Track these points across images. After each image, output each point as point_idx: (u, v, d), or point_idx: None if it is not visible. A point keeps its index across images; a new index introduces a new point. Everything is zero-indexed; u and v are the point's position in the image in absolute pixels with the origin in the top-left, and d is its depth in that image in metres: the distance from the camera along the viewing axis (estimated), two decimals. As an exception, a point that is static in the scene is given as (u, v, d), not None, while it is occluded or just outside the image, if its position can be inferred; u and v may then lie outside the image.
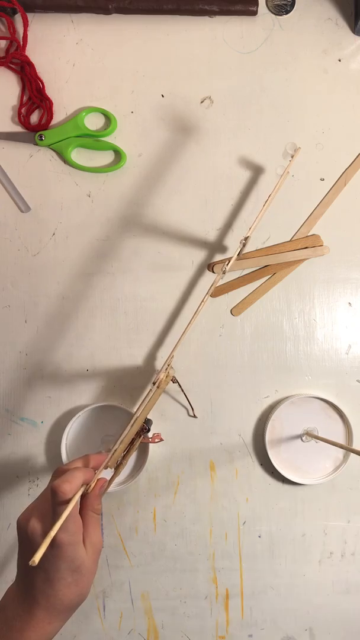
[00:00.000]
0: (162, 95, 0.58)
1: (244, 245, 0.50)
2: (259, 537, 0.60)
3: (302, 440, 0.59)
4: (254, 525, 0.60)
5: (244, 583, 0.60)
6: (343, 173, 0.59)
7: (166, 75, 0.58)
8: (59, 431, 0.59)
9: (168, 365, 0.50)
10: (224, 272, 0.50)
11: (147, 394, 0.50)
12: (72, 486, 0.42)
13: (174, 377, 0.54)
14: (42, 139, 0.57)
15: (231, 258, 0.50)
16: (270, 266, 0.59)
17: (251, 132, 0.58)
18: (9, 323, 0.59)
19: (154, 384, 0.49)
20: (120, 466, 0.50)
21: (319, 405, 0.59)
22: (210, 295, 0.59)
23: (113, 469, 0.50)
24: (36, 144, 0.58)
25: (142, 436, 0.52)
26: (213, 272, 0.59)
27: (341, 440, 0.59)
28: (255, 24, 0.58)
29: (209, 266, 0.59)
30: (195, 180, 0.59)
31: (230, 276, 0.59)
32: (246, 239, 0.49)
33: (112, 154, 0.59)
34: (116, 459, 0.49)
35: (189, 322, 0.49)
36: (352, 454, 0.58)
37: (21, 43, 0.57)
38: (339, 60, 0.58)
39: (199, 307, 0.49)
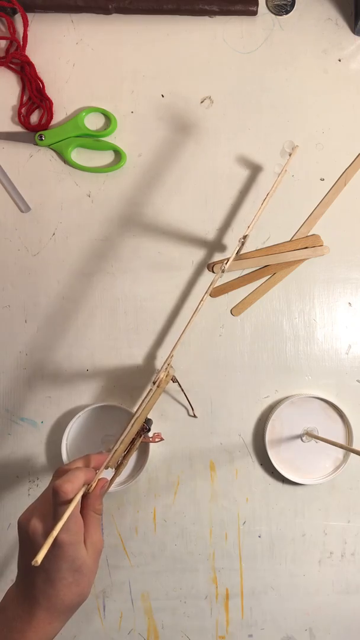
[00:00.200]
0: (162, 95, 0.58)
1: (243, 243, 0.50)
2: (259, 537, 0.60)
3: (302, 440, 0.59)
4: (254, 525, 0.60)
5: (244, 583, 0.60)
6: (343, 173, 0.59)
7: (166, 75, 0.58)
8: (59, 431, 0.59)
9: (168, 365, 0.50)
10: (223, 271, 0.50)
11: (147, 394, 0.50)
12: (74, 486, 0.42)
13: (173, 376, 0.54)
14: (42, 139, 0.57)
15: (230, 257, 0.50)
16: (270, 266, 0.59)
17: (251, 132, 0.58)
18: (9, 323, 0.59)
19: (154, 383, 0.49)
20: (120, 466, 0.50)
21: (319, 405, 0.59)
22: (210, 295, 0.59)
23: (114, 469, 0.50)
24: (36, 144, 0.58)
25: (143, 436, 0.52)
26: (213, 272, 0.59)
27: (341, 440, 0.59)
28: (255, 24, 0.58)
29: (209, 266, 0.59)
30: (195, 180, 0.59)
31: (230, 276, 0.59)
32: (245, 237, 0.49)
33: (112, 154, 0.59)
34: (117, 458, 0.49)
35: (188, 322, 0.49)
36: (352, 454, 0.58)
37: (21, 43, 0.57)
38: (339, 60, 0.58)
39: (198, 306, 0.49)
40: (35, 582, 0.41)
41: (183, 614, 0.60)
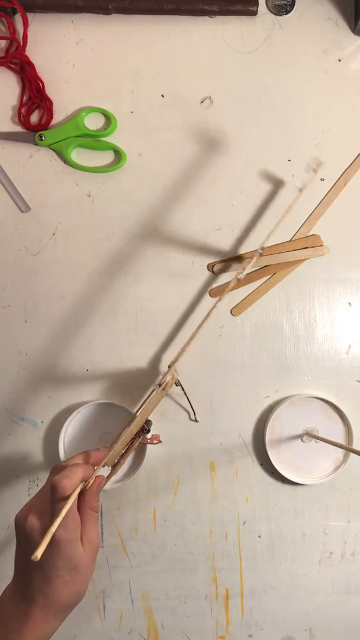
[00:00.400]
0: (162, 95, 0.58)
1: (261, 254, 0.50)
2: (259, 537, 0.60)
3: (302, 440, 0.59)
4: (254, 525, 0.60)
5: (244, 583, 0.60)
6: (343, 173, 0.59)
7: (166, 75, 0.58)
8: (59, 431, 0.59)
9: (174, 368, 0.50)
10: (238, 280, 0.50)
11: (150, 395, 0.50)
12: (72, 482, 0.41)
13: (177, 380, 0.54)
14: (42, 139, 0.57)
15: (242, 272, 0.49)
16: (270, 266, 0.59)
17: (251, 132, 0.58)
18: (9, 323, 0.59)
19: (159, 385, 0.49)
20: (117, 465, 0.50)
21: (319, 405, 0.59)
22: (210, 295, 0.59)
23: (110, 467, 0.50)
24: (36, 144, 0.58)
25: (141, 437, 0.52)
26: (213, 272, 0.59)
27: (341, 440, 0.59)
28: (255, 24, 0.58)
29: (209, 266, 0.59)
30: (195, 180, 0.59)
31: (230, 276, 0.59)
32: (263, 249, 0.49)
33: (112, 154, 0.59)
34: (114, 457, 0.49)
35: (198, 326, 0.49)
36: (352, 454, 0.58)
37: (21, 43, 0.57)
38: (339, 60, 0.58)
39: (210, 310, 0.48)
40: (32, 580, 0.41)
41: (183, 614, 0.60)
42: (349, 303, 0.59)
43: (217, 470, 0.60)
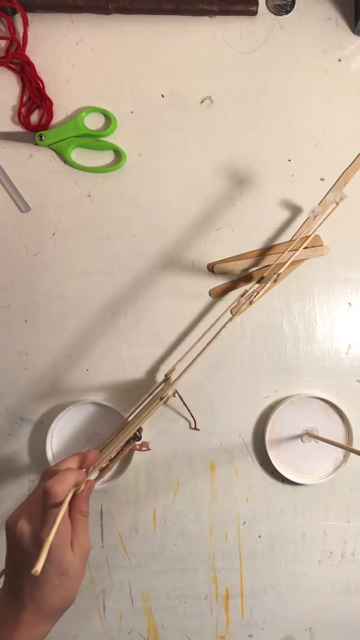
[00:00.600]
0: (162, 95, 0.58)
1: (274, 280, 0.48)
2: (259, 537, 0.60)
3: (302, 440, 0.59)
4: (254, 525, 0.60)
5: (244, 583, 0.60)
6: (343, 173, 0.59)
7: (166, 75, 0.58)
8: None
9: (174, 381, 0.49)
10: (251, 303, 0.48)
11: (145, 404, 0.49)
12: (65, 487, 0.40)
13: (175, 390, 0.53)
14: (42, 139, 0.57)
15: (257, 293, 0.48)
16: (270, 266, 0.59)
17: (251, 132, 0.58)
18: (9, 323, 0.59)
19: (160, 399, 0.47)
20: (105, 469, 0.50)
21: (319, 405, 0.59)
22: (210, 295, 0.59)
23: (98, 471, 0.49)
24: (36, 144, 0.58)
25: (131, 443, 0.51)
26: (213, 272, 0.59)
27: (341, 440, 0.59)
28: (255, 24, 0.58)
29: (209, 266, 0.59)
30: (195, 180, 0.59)
31: (230, 276, 0.59)
32: (278, 275, 0.48)
33: (112, 154, 0.59)
34: (103, 461, 0.48)
35: (209, 343, 0.47)
36: (352, 454, 0.58)
37: (21, 43, 0.57)
38: (339, 60, 0.58)
39: (220, 330, 0.47)
40: (22, 585, 0.41)
41: (183, 614, 0.60)
42: (349, 303, 0.59)
43: (217, 470, 0.60)
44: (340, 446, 0.54)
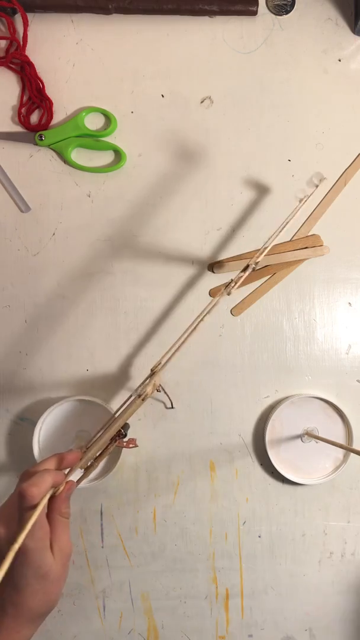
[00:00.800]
0: (162, 95, 0.58)
1: (254, 269, 0.48)
2: (259, 537, 0.60)
3: (302, 440, 0.59)
4: (254, 525, 0.60)
5: (244, 583, 0.60)
6: (343, 173, 0.59)
7: (166, 75, 0.58)
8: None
9: (156, 378, 0.48)
10: (229, 294, 0.48)
11: (129, 403, 0.48)
12: (40, 490, 0.40)
13: (159, 385, 0.52)
14: (42, 139, 0.57)
15: (235, 283, 0.48)
16: (270, 266, 0.59)
17: (251, 132, 0.59)
18: (9, 323, 0.59)
19: (139, 396, 0.47)
20: (90, 468, 0.49)
21: (319, 405, 0.59)
22: (210, 295, 0.59)
23: (83, 470, 0.49)
24: (36, 144, 0.58)
25: (117, 441, 0.51)
26: (213, 271, 0.59)
27: (341, 440, 0.59)
28: (255, 24, 0.58)
29: (209, 266, 0.59)
30: (195, 180, 0.59)
31: (230, 276, 0.59)
32: (257, 263, 0.48)
33: (112, 154, 0.59)
34: (88, 460, 0.48)
35: (189, 333, 0.48)
36: (352, 454, 0.58)
37: (21, 43, 0.57)
38: (339, 60, 0.58)
39: (193, 323, 0.47)
40: (1, 590, 0.40)
41: (183, 614, 0.60)
42: (349, 303, 0.59)
43: (217, 470, 0.60)
44: (340, 446, 0.54)
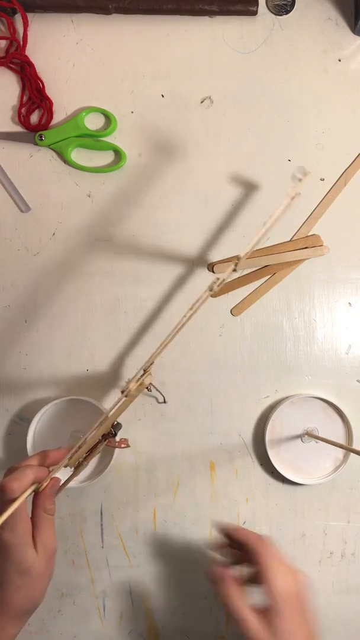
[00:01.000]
0: (162, 95, 0.58)
1: (236, 265, 0.47)
2: (259, 537, 0.60)
3: (302, 440, 0.59)
4: (254, 525, 0.60)
5: (244, 583, 0.60)
6: (343, 173, 0.59)
7: (166, 75, 0.58)
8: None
9: (143, 375, 0.48)
10: (211, 290, 0.47)
11: (117, 402, 0.48)
12: (21, 484, 0.40)
13: (150, 384, 0.51)
14: (42, 139, 0.57)
15: (222, 280, 0.47)
16: (270, 266, 0.59)
17: (251, 132, 0.58)
18: (9, 323, 0.59)
19: (122, 392, 0.46)
20: (80, 466, 0.49)
21: (319, 405, 0.59)
22: (210, 296, 0.59)
23: (73, 468, 0.49)
24: (36, 144, 0.58)
25: (107, 440, 0.50)
26: (213, 271, 0.59)
27: (341, 440, 0.59)
28: (255, 24, 0.58)
29: (209, 266, 0.59)
30: (195, 180, 0.59)
31: (230, 276, 0.59)
32: (239, 259, 0.47)
33: (112, 154, 0.59)
34: (77, 459, 0.47)
35: (173, 331, 0.47)
36: (352, 454, 0.58)
37: (21, 43, 0.57)
38: (339, 60, 0.58)
39: (181, 321, 0.47)
40: None
41: (183, 614, 0.60)
42: (349, 303, 0.59)
43: (217, 470, 0.60)
44: (340, 446, 0.54)
